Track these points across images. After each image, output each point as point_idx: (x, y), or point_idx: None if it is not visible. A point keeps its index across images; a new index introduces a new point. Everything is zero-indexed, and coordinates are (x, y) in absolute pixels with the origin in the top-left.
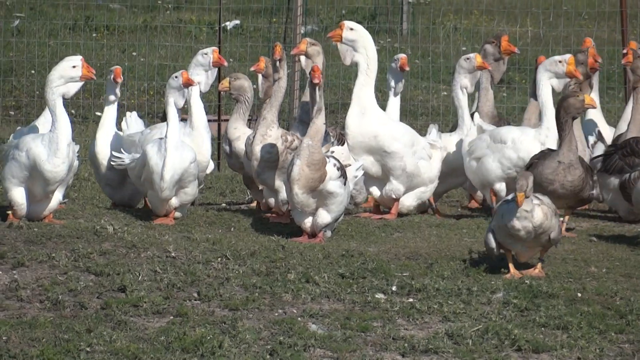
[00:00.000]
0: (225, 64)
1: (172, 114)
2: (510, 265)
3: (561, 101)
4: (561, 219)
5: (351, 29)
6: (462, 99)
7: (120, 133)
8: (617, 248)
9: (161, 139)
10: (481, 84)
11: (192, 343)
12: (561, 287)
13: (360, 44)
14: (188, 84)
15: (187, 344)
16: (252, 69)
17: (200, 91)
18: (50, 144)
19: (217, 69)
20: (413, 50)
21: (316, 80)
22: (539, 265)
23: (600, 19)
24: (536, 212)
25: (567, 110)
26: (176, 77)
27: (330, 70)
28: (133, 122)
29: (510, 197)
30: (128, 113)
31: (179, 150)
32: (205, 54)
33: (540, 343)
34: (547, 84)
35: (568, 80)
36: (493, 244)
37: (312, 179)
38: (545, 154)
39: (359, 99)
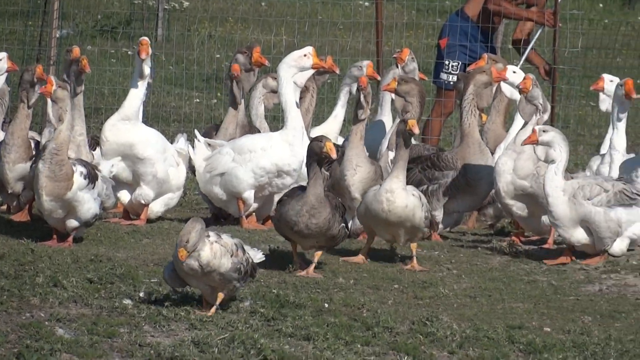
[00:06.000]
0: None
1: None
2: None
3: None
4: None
5: None
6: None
7: None
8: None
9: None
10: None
11: None
12: (308, 298)
13: None
14: None
15: None
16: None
17: None
18: None
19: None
20: (167, 56)
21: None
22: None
23: (356, 30)
24: (204, 251)
25: (308, 154)
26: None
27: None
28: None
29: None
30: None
31: None
32: None
33: (286, 353)
34: (290, 81)
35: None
36: (170, 281)
37: (58, 186)
38: (295, 192)
39: (126, 106)
